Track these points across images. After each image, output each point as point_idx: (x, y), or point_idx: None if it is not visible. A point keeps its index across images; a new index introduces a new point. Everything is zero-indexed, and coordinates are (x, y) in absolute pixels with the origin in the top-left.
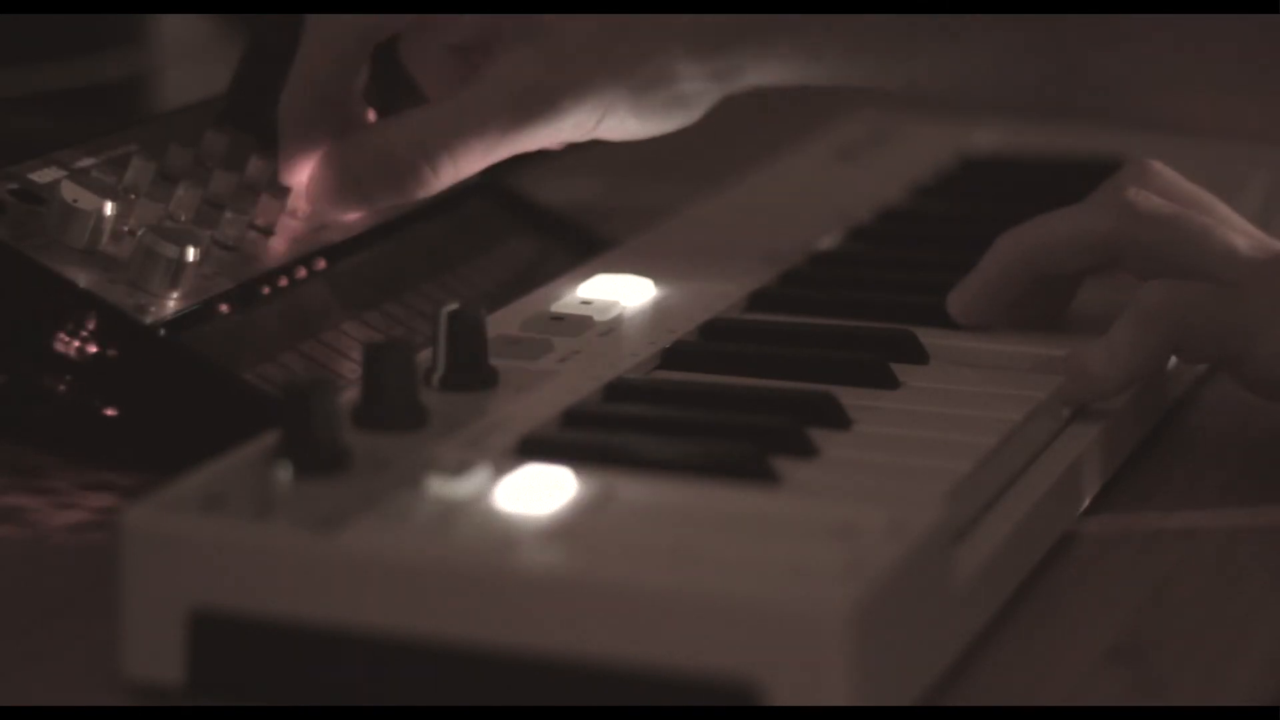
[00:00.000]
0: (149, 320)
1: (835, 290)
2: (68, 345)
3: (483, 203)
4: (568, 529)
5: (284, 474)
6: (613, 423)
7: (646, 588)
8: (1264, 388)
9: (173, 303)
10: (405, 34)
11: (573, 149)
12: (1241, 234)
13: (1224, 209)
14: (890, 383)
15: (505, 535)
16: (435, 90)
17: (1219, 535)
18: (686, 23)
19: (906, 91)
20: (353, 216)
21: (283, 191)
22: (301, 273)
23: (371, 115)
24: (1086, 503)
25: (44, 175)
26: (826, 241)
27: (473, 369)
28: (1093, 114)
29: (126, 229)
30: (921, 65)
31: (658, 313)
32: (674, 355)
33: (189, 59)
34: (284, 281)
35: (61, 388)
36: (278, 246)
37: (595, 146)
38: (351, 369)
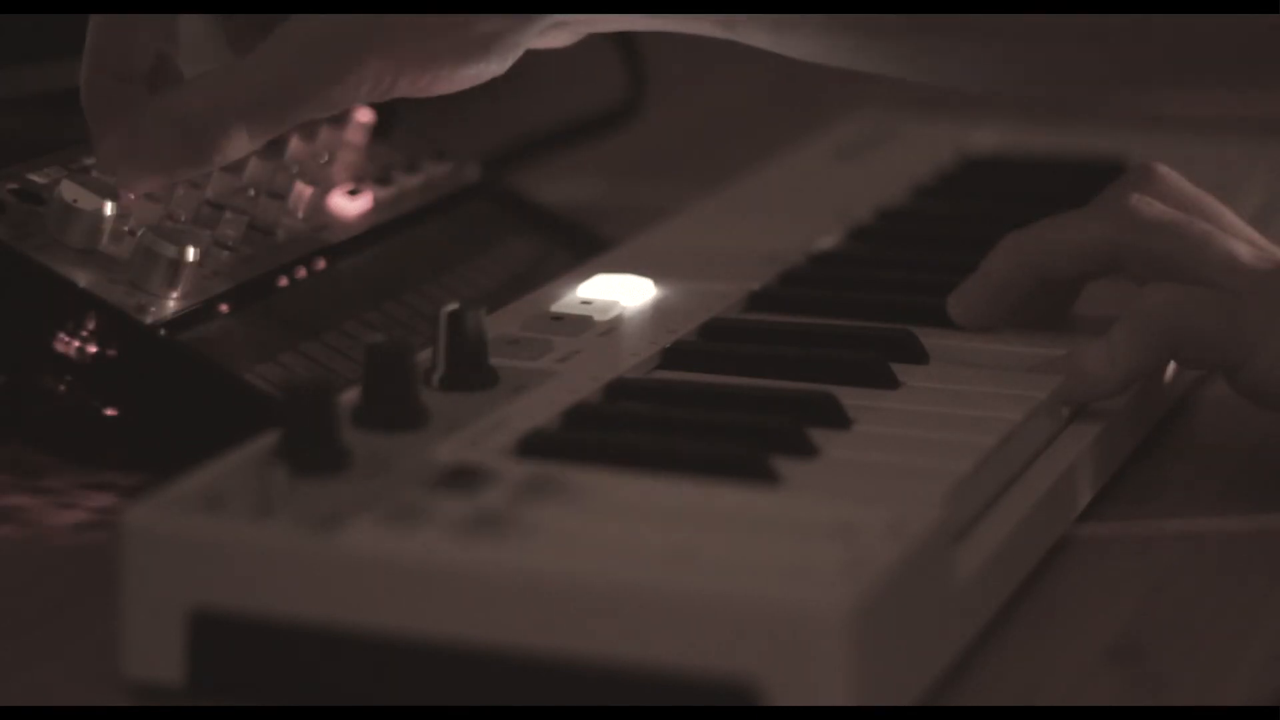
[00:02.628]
0: (149, 320)
1: (835, 290)
2: (68, 345)
3: (483, 203)
4: (567, 529)
5: (284, 474)
6: (613, 422)
7: (646, 588)
8: (1261, 397)
9: (173, 303)
10: None
11: (572, 149)
12: (1245, 242)
13: (1230, 215)
14: (890, 383)
15: (505, 535)
16: None
17: (1219, 535)
18: None
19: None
20: (151, 187)
21: (283, 191)
22: (301, 273)
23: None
24: (1086, 502)
25: (44, 175)
26: (826, 241)
27: (473, 369)
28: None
29: (126, 229)
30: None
31: (658, 313)
32: (674, 355)
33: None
34: (284, 281)
35: (61, 388)
36: (278, 246)
37: (595, 146)
38: (351, 369)
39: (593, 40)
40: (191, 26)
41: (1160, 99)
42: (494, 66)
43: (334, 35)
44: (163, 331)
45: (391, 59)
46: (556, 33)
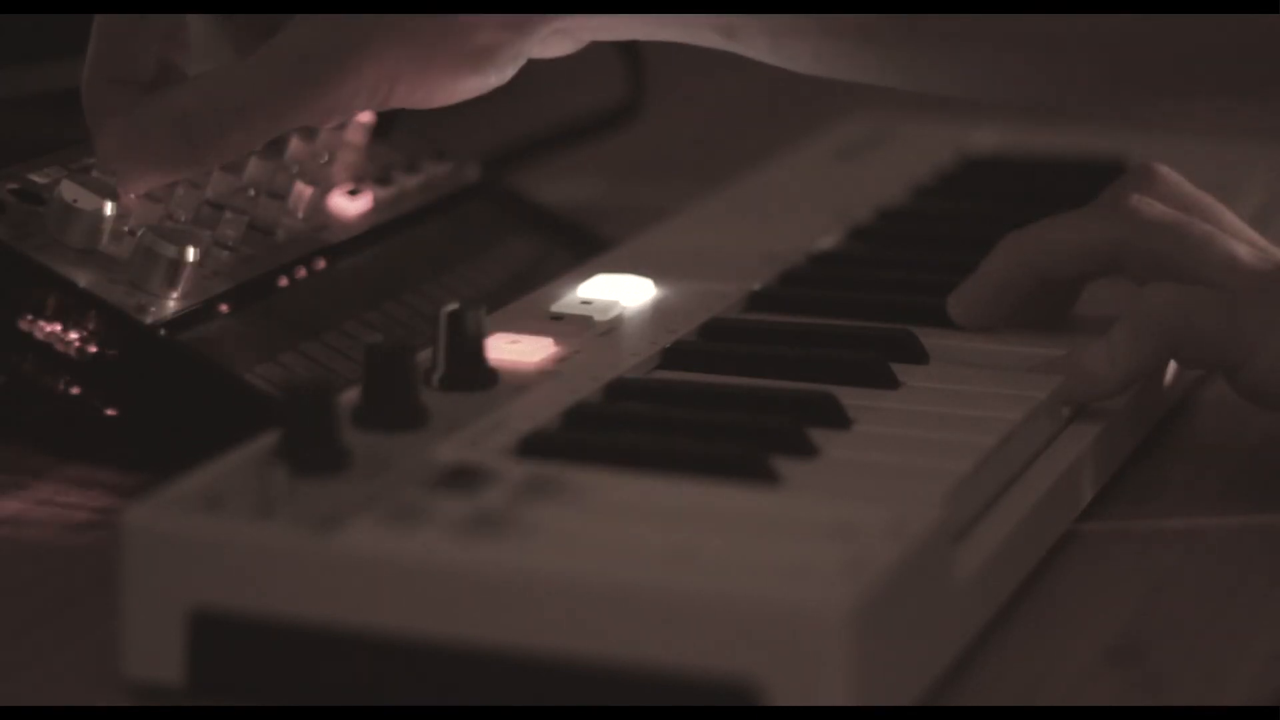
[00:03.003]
0: (149, 320)
1: (835, 290)
2: (68, 345)
3: (483, 203)
4: (567, 529)
5: (284, 474)
6: (613, 422)
7: (646, 588)
8: (1261, 397)
9: (173, 303)
10: None
11: (572, 149)
12: (1245, 243)
13: (1230, 216)
14: (890, 383)
15: (504, 535)
16: None
17: (1219, 535)
18: None
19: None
20: (151, 186)
21: (283, 191)
22: (301, 273)
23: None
24: (1086, 502)
25: (44, 175)
26: (826, 241)
27: (473, 369)
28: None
29: (126, 229)
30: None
31: (658, 313)
32: (674, 355)
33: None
34: (284, 281)
35: (61, 388)
36: (278, 246)
37: (595, 146)
38: (351, 369)
39: (593, 41)
40: (194, 27)
41: (1160, 104)
42: (494, 78)
43: (333, 40)
44: (163, 331)
45: (389, 66)
46: (557, 41)
